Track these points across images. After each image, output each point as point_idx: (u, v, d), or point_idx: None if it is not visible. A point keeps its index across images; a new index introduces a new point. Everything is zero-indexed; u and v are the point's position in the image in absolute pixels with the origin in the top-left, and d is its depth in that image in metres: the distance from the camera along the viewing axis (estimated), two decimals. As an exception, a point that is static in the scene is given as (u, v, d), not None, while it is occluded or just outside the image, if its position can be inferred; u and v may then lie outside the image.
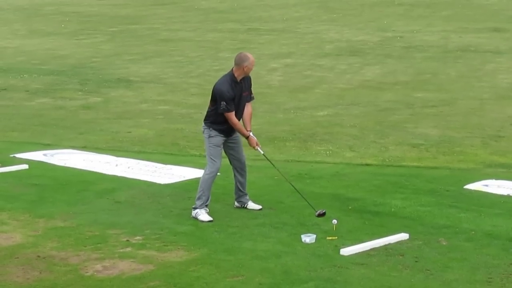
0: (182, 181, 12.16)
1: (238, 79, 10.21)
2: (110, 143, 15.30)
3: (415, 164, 13.72)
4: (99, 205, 10.86)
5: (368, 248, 9.17)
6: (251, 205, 10.64)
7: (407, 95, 20.49)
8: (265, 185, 11.85)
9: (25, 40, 31.42)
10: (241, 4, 43.86)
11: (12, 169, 12.68)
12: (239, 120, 10.32)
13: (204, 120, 10.42)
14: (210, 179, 10.31)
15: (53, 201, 11.06)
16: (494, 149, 15.00)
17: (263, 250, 9.11)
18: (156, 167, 13.00)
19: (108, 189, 11.64)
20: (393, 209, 10.76)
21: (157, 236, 9.59)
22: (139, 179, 12.21)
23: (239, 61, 10.19)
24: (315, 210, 10.18)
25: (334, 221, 9.81)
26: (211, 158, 10.29)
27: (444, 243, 9.43)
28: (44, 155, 13.83)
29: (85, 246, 9.23)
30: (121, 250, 9.11)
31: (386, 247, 9.24)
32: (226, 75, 10.32)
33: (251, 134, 10.34)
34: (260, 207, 10.64)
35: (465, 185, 12.04)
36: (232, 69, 10.26)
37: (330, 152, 14.62)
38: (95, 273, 8.47)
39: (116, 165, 13.12)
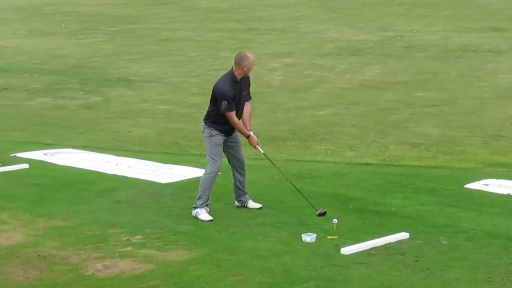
0: (182, 180, 12.16)
1: (238, 78, 10.22)
2: (111, 143, 15.30)
3: (415, 163, 13.72)
4: (99, 205, 10.86)
5: (368, 248, 9.17)
6: (251, 204, 10.64)
7: (408, 94, 20.49)
8: (266, 185, 11.85)
9: (25, 39, 31.42)
10: (241, 4, 43.86)
11: (13, 169, 12.68)
12: (239, 119, 10.32)
13: (204, 119, 10.41)
14: (211, 179, 10.31)
15: (54, 200, 11.07)
16: (495, 148, 15.00)
17: (264, 249, 9.11)
18: (156, 166, 13.01)
19: (109, 189, 11.64)
20: (393, 209, 10.76)
21: (157, 235, 9.59)
22: (139, 179, 12.21)
23: (239, 61, 10.19)
24: (315, 209, 10.18)
25: (335, 221, 9.81)
26: (212, 158, 10.29)
27: (445, 243, 9.43)
28: (45, 154, 13.83)
29: (85, 246, 9.23)
30: (121, 250, 9.11)
31: (386, 247, 9.24)
32: (226, 74, 10.31)
33: (251, 133, 10.34)
34: (260, 205, 10.65)
35: (465, 184, 12.03)
36: (232, 68, 10.27)
37: (331, 151, 14.62)
38: (96, 272, 8.47)
39: (117, 165, 13.13)
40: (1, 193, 11.40)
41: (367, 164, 13.61)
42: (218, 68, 23.45)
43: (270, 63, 25.33)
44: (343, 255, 8.96)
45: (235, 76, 10.21)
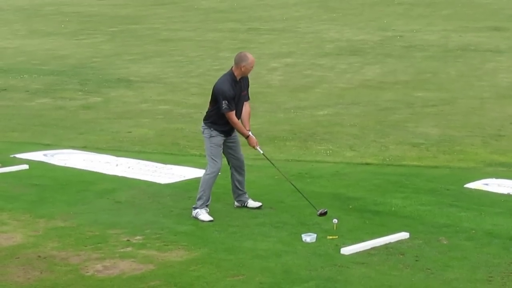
0: (182, 180, 12.16)
1: (238, 78, 10.22)
2: (110, 143, 15.30)
3: (415, 163, 13.72)
4: (99, 205, 10.86)
5: (368, 247, 9.17)
6: (251, 203, 10.64)
7: (407, 94, 20.49)
8: (266, 185, 11.85)
9: (25, 40, 31.42)
10: (241, 4, 43.86)
11: (13, 169, 12.68)
12: (237, 119, 10.32)
13: (204, 120, 10.41)
14: (211, 179, 10.31)
15: (54, 201, 11.07)
16: (495, 148, 15.00)
17: (264, 249, 9.11)
18: (156, 167, 13.01)
19: (108, 189, 11.64)
20: (393, 208, 10.76)
21: (157, 236, 9.59)
22: (139, 179, 12.21)
23: (238, 61, 10.19)
24: (316, 209, 10.18)
25: (335, 221, 9.81)
26: (212, 158, 10.29)
27: (445, 242, 9.43)
28: (44, 155, 13.83)
29: (85, 246, 9.23)
30: (121, 250, 9.11)
31: (386, 246, 9.24)
32: (226, 74, 10.31)
33: (250, 133, 10.34)
34: (260, 204, 10.64)
35: (465, 184, 12.03)
36: (232, 68, 10.27)
37: (331, 151, 14.62)
38: (96, 273, 8.47)
39: (116, 165, 13.13)
40: (1, 194, 11.40)
41: (367, 164, 13.61)
42: (218, 68, 23.45)
43: (270, 63, 25.33)
44: (343, 255, 8.96)
45: (234, 76, 10.21)
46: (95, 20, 38.02)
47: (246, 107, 10.40)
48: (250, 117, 10.51)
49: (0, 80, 22.51)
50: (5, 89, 21.15)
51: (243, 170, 10.59)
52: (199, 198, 10.26)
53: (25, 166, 12.87)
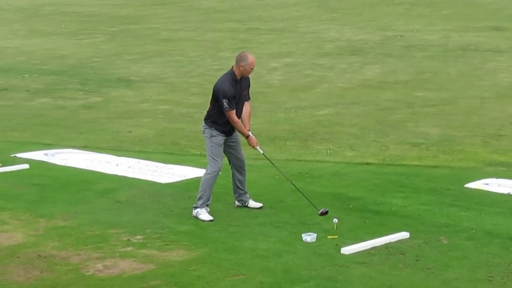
0: (182, 180, 12.17)
1: (238, 77, 10.23)
2: (111, 143, 15.30)
3: (415, 163, 13.73)
4: (99, 205, 10.87)
5: (368, 247, 9.17)
6: (252, 203, 10.65)
7: (408, 94, 20.50)
8: (266, 184, 11.85)
9: (26, 40, 31.43)
10: (241, 4, 43.86)
11: (13, 169, 12.69)
12: (238, 119, 10.32)
13: (205, 120, 10.41)
14: (212, 179, 10.31)
15: (54, 200, 11.07)
16: (495, 147, 15.00)
17: (264, 249, 9.11)
18: (156, 166, 13.01)
19: (109, 189, 11.65)
20: (393, 208, 10.77)
21: (158, 235, 9.59)
22: (139, 179, 12.22)
23: (238, 60, 10.21)
24: (317, 208, 10.18)
25: (335, 220, 9.81)
26: (213, 158, 10.29)
27: (445, 242, 9.43)
28: (45, 154, 13.84)
29: (86, 246, 9.23)
30: (122, 250, 9.12)
31: (386, 246, 9.24)
32: (226, 73, 10.32)
33: (250, 133, 10.35)
34: (260, 204, 10.65)
35: (465, 184, 12.04)
36: (233, 67, 10.28)
37: (331, 151, 14.63)
38: (96, 272, 8.47)
39: (117, 165, 13.13)
40: (1, 193, 11.41)
41: (367, 163, 13.62)
42: (218, 68, 23.46)
43: (270, 63, 25.33)
44: (344, 254, 8.96)
45: (235, 75, 10.22)
46: (95, 20, 38.02)
47: (246, 107, 10.40)
48: (250, 117, 10.52)
49: (1, 79, 22.52)
50: (6, 89, 21.16)
51: (244, 170, 10.60)
52: (200, 198, 10.27)
53: (25, 166, 12.88)
